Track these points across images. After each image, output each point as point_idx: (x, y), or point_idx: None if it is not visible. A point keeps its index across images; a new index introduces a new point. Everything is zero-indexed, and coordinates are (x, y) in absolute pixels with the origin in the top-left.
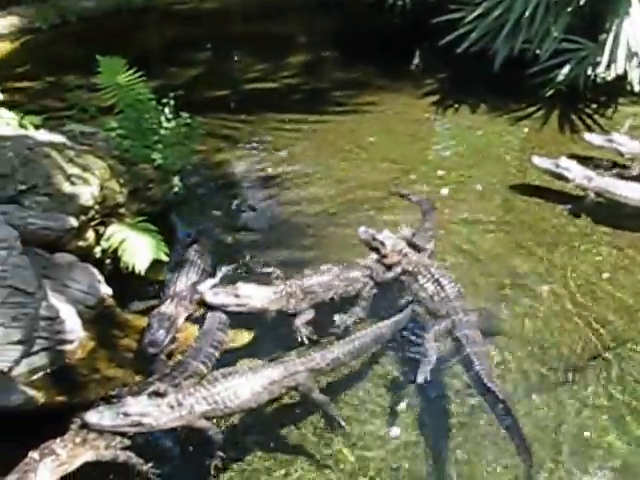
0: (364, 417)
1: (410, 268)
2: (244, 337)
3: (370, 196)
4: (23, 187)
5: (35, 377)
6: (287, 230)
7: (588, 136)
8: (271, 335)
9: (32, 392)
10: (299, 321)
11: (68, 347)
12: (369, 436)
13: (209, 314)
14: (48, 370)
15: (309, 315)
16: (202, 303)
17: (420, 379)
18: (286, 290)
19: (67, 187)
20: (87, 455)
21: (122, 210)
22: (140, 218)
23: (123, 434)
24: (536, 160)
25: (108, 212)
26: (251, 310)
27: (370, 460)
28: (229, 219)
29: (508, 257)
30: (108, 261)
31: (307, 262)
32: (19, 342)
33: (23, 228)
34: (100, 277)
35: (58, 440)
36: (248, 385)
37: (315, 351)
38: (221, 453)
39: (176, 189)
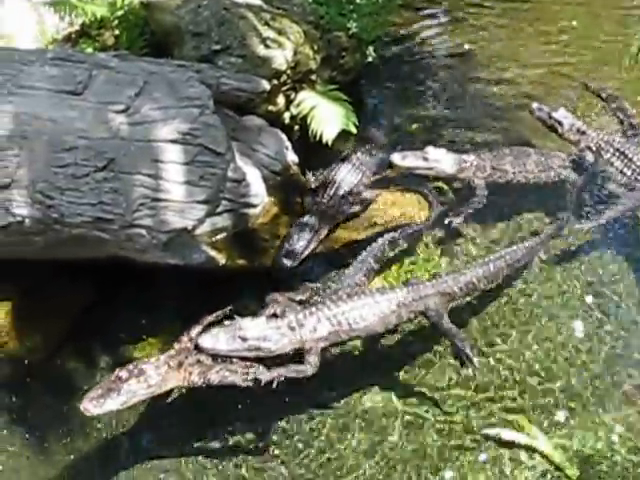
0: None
1: (592, 146)
2: None
3: (568, 83)
4: (217, 47)
5: (217, 238)
6: (479, 110)
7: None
8: None
9: (213, 252)
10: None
11: (251, 211)
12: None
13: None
14: (230, 232)
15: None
16: (389, 166)
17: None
18: (476, 161)
19: (261, 50)
20: (178, 380)
21: (314, 77)
22: (331, 86)
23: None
24: None
25: (300, 78)
26: (438, 174)
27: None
28: (421, 95)
29: None
30: (296, 128)
31: (498, 144)
32: (204, 202)
33: (216, 88)
34: (288, 143)
35: (152, 360)
36: (375, 307)
37: (447, 274)
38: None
39: (369, 59)
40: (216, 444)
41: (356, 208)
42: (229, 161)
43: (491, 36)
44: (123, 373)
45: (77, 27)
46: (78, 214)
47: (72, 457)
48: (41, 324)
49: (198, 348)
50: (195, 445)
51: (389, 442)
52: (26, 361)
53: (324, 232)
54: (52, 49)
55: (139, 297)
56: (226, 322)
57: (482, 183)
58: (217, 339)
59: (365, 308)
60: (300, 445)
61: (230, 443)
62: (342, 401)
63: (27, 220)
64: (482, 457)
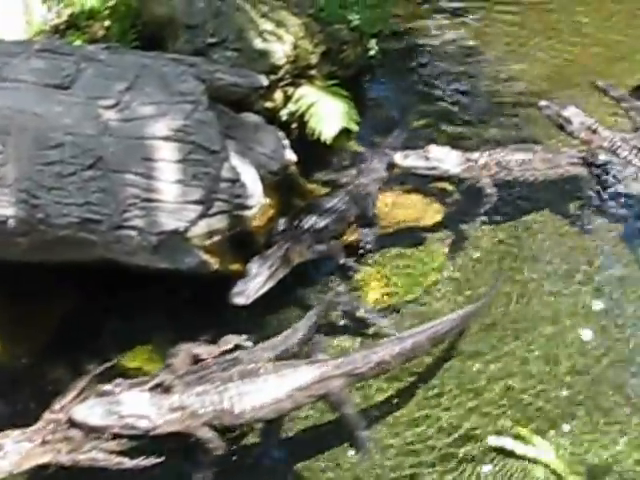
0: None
1: (606, 145)
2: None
3: (577, 80)
4: (213, 40)
5: (211, 241)
6: (485, 107)
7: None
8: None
9: (206, 256)
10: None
11: (247, 213)
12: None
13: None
14: (224, 235)
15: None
16: (391, 166)
17: None
18: (481, 159)
19: (259, 43)
20: (43, 458)
21: (313, 72)
22: (331, 82)
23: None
24: None
25: (299, 73)
26: (442, 174)
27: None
28: (424, 90)
29: None
30: (294, 125)
31: (506, 142)
32: (197, 202)
33: (210, 83)
34: (285, 141)
35: (15, 433)
36: (269, 391)
37: (357, 351)
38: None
39: (371, 53)
40: None
41: (332, 247)
42: (223, 160)
43: (498, 31)
44: None
45: (65, 18)
46: (64, 214)
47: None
48: (25, 329)
49: (70, 420)
50: None
51: (393, 448)
52: (10, 367)
53: (288, 269)
54: (39, 41)
55: (128, 302)
56: (106, 387)
57: (489, 182)
58: (91, 411)
59: (256, 392)
60: None
61: None
62: None
63: (10, 220)
64: (486, 468)
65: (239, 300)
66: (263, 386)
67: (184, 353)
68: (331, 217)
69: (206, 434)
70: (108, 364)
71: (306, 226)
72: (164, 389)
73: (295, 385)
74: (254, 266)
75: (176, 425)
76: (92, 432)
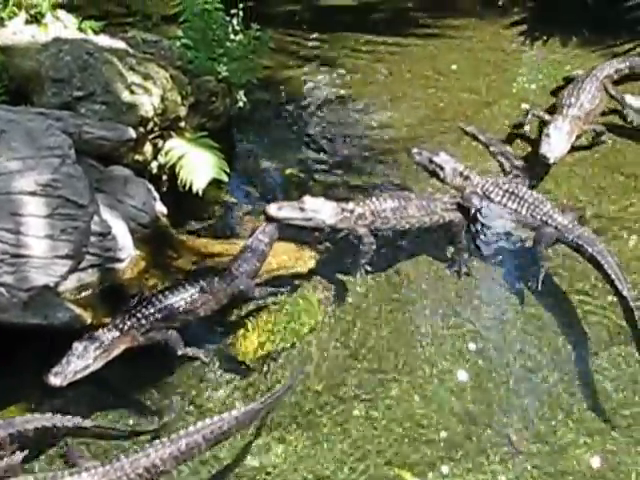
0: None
1: (478, 190)
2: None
3: (448, 126)
4: (80, 93)
5: (83, 295)
6: (358, 155)
7: None
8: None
9: (79, 310)
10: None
11: (118, 266)
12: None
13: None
14: (96, 289)
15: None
16: (267, 219)
17: (539, 287)
18: (356, 209)
19: (126, 96)
20: None
21: (182, 124)
22: (201, 133)
23: None
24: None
25: (168, 125)
26: (317, 225)
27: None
28: (295, 140)
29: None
30: (164, 177)
31: (377, 190)
32: (67, 256)
33: (78, 136)
34: (155, 194)
35: None
36: None
37: (126, 455)
38: None
39: (240, 104)
40: None
41: (169, 337)
42: (92, 213)
43: (369, 80)
44: None
45: None
46: None
47: None
48: None
49: None
50: None
51: None
52: None
53: (118, 351)
54: None
55: None
56: None
57: (366, 231)
58: None
59: None
60: None
61: None
62: None
63: None
64: None
65: (55, 381)
66: None
67: None
68: (178, 307)
69: None
70: None
71: (149, 311)
72: None
73: None
74: (79, 346)
75: None
76: None
